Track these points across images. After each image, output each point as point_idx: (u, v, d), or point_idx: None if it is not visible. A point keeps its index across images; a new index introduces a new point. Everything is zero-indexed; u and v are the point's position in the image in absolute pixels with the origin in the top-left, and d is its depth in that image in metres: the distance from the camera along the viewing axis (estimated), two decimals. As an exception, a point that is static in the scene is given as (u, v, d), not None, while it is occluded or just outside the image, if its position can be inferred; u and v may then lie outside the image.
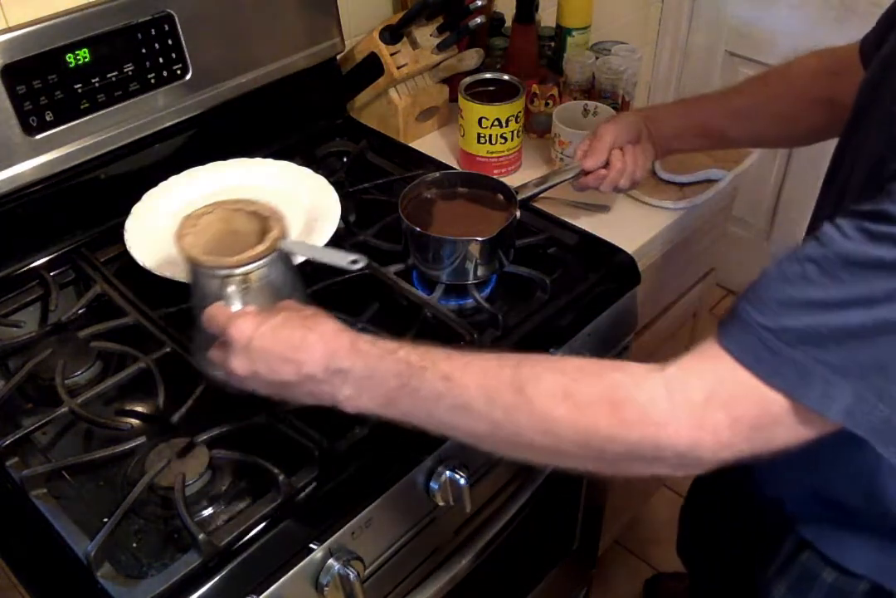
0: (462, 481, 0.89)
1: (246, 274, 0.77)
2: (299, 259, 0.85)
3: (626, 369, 0.63)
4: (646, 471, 0.63)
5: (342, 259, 0.76)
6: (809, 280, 0.57)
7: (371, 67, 1.28)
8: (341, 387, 0.69)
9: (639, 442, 0.60)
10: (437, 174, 1.07)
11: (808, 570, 0.89)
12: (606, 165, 1.04)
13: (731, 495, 1.07)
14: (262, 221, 0.81)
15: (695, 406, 0.59)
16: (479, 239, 0.97)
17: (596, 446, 0.62)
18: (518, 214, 1.01)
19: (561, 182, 1.08)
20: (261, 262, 0.77)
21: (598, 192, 1.09)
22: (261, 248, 0.77)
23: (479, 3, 1.21)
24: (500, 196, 1.04)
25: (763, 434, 0.60)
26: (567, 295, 1.02)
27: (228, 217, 0.83)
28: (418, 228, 0.98)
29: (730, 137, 1.04)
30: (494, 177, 1.06)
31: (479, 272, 1.01)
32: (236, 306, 0.77)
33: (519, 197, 1.04)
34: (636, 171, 1.04)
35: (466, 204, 1.06)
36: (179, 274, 0.98)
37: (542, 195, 1.09)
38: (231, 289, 0.77)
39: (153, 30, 1.05)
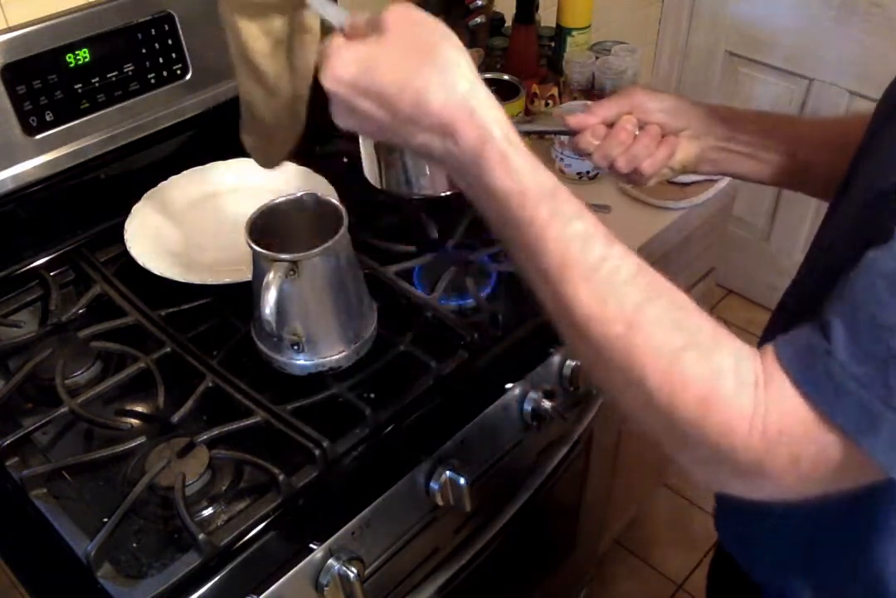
0: (462, 481, 0.89)
1: (294, 262, 0.79)
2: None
3: (736, 353, 0.55)
4: (714, 475, 0.57)
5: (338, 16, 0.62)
6: (882, 300, 0.49)
7: (371, 67, 1.28)
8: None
9: (711, 433, 0.53)
10: None
11: None
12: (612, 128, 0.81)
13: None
14: None
15: (770, 435, 0.52)
16: None
17: (670, 406, 0.54)
18: None
19: (542, 131, 0.92)
20: (311, 252, 0.79)
21: (598, 192, 1.08)
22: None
23: (479, 3, 1.22)
24: None
25: (824, 476, 0.53)
26: (567, 295, 1.02)
27: None
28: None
29: (812, 174, 0.83)
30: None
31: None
32: (274, 291, 0.77)
33: None
34: (645, 160, 0.80)
35: None
36: (179, 274, 0.98)
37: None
38: (278, 274, 0.78)
39: (153, 30, 1.05)
